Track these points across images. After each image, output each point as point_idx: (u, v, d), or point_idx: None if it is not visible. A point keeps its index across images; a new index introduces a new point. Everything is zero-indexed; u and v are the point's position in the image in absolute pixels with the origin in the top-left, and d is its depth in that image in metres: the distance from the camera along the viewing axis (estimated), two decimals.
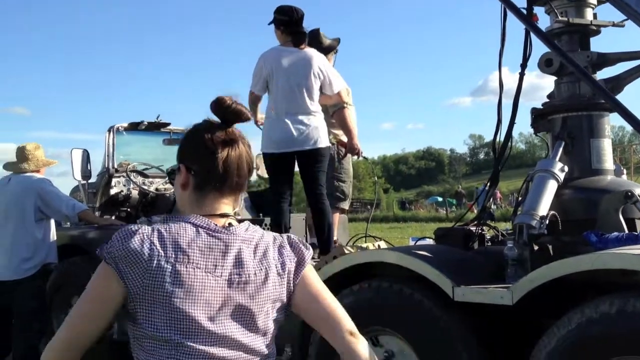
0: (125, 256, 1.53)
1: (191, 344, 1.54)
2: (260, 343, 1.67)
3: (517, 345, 3.14)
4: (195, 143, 1.69)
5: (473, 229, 3.84)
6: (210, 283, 1.57)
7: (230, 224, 1.67)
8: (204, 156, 1.67)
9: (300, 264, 1.73)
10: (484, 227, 3.88)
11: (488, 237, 3.90)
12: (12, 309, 5.24)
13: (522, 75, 3.81)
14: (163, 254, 1.54)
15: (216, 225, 1.64)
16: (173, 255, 1.54)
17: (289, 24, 4.54)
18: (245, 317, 1.62)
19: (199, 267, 1.56)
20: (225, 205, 1.70)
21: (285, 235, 1.78)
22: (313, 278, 1.76)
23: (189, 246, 1.57)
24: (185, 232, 1.59)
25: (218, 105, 1.68)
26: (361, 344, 1.69)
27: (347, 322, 1.72)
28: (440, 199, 45.89)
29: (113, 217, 5.92)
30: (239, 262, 1.62)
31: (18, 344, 5.17)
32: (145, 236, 1.55)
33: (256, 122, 4.79)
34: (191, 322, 1.54)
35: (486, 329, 3.23)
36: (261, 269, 1.65)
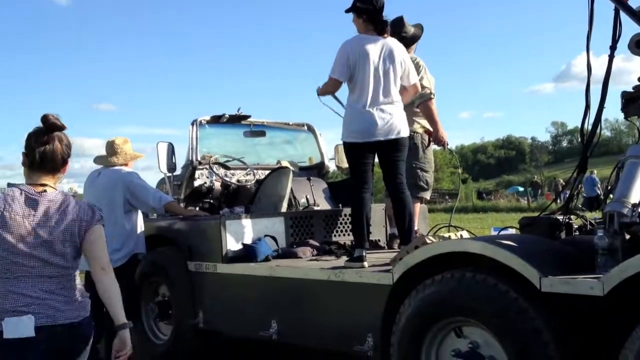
0: None
1: (9, 255, 2.61)
2: (58, 260, 2.69)
3: (608, 337, 3.04)
4: (28, 141, 2.73)
5: (560, 218, 3.74)
6: (25, 224, 2.64)
7: (45, 191, 2.72)
8: (30, 149, 2.72)
9: (90, 220, 2.77)
10: (572, 216, 3.76)
11: (576, 227, 3.78)
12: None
13: (611, 57, 3.66)
14: (2, 206, 2.63)
15: (35, 190, 2.71)
16: (4, 207, 2.63)
17: (371, 12, 4.53)
18: (47, 245, 2.66)
19: (18, 214, 2.64)
20: (45, 180, 2.74)
21: (83, 201, 2.99)
22: (96, 231, 2.79)
23: (13, 201, 2.66)
24: (14, 194, 2.68)
25: (43, 119, 2.71)
26: (108, 276, 2.79)
27: (102, 260, 2.80)
28: (521, 189, 44.63)
29: (197, 209, 6.06)
30: (45, 213, 2.68)
31: (109, 332, 5.40)
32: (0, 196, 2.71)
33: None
34: (9, 244, 2.61)
35: (575, 321, 3.14)
36: (61, 218, 2.69)
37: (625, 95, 3.73)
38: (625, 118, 3.81)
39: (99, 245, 2.81)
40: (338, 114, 4.88)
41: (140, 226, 5.56)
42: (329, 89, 4.66)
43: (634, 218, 3.15)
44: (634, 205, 3.16)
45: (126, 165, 5.63)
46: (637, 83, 3.75)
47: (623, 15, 3.62)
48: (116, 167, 5.55)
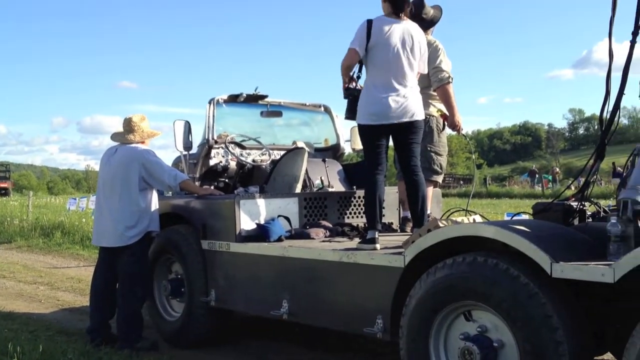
0: None
1: None
2: None
3: (618, 324, 3.05)
4: None
5: (573, 204, 3.73)
6: None
7: None
8: None
9: None
10: (585, 203, 3.75)
11: (589, 213, 3.77)
12: (116, 274, 5.55)
13: (633, 43, 3.62)
14: None
15: None
16: None
17: None
18: None
19: None
20: None
21: None
22: None
23: None
24: None
25: None
26: None
27: None
28: (537, 176, 44.40)
29: (212, 187, 6.09)
30: None
31: (121, 308, 5.48)
32: None
33: (347, 89, 4.68)
34: None
35: (585, 307, 3.15)
36: None
37: None
38: None
39: None
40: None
41: (155, 204, 5.61)
42: (348, 60, 4.61)
43: None
44: None
45: (143, 143, 5.67)
46: None
47: None
48: (132, 145, 5.60)
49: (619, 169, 30.67)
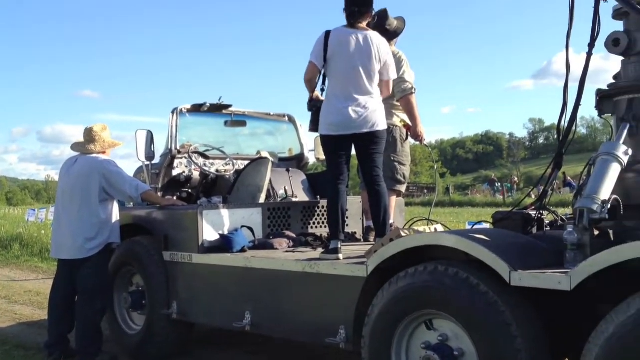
0: None
1: None
2: None
3: (575, 331, 3.10)
4: None
5: (532, 213, 3.79)
6: None
7: None
8: None
9: None
10: (543, 212, 3.82)
11: (547, 222, 3.84)
12: (75, 287, 5.44)
13: (589, 55, 3.72)
14: None
15: None
16: None
17: (346, 3, 4.55)
18: None
19: None
20: None
21: None
22: None
23: None
24: None
25: None
26: None
27: None
28: (497, 184, 45.12)
29: (175, 198, 6.04)
30: None
31: (80, 322, 5.37)
32: None
33: (310, 100, 4.71)
34: None
35: (543, 315, 3.20)
36: None
37: (599, 93, 3.79)
38: (599, 116, 3.87)
39: None
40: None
41: (116, 215, 5.53)
42: (308, 74, 4.63)
43: (603, 214, 3.19)
44: (604, 202, 3.21)
45: (104, 153, 5.59)
46: (613, 81, 3.82)
47: (602, 13, 3.68)
48: (93, 155, 5.51)
49: (569, 179, 31.42)
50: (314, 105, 4.70)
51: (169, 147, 6.34)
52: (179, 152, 6.35)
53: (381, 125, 4.56)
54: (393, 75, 4.70)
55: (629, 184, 3.46)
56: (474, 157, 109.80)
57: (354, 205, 5.92)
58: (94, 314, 5.36)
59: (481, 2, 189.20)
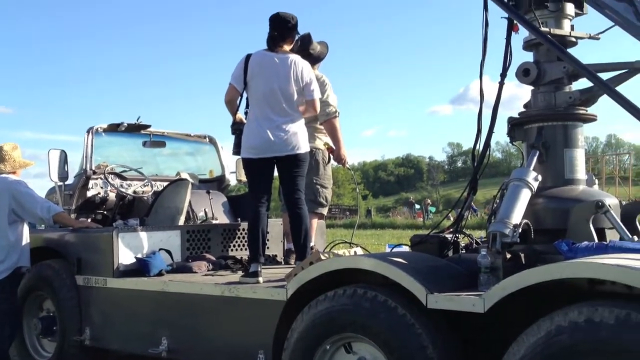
0: None
1: None
2: None
3: (490, 353, 3.17)
4: None
5: (448, 236, 3.88)
6: None
7: None
8: None
9: None
10: (459, 235, 3.92)
11: (463, 245, 3.94)
12: None
13: (501, 84, 3.86)
14: None
15: None
16: None
17: (269, 27, 4.57)
18: None
19: None
20: None
21: None
22: None
23: None
24: None
25: None
26: None
27: None
28: (418, 206, 46.20)
29: (89, 220, 5.86)
30: None
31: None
32: None
33: (233, 124, 4.70)
34: None
35: (459, 336, 3.26)
36: None
37: (511, 121, 3.94)
38: (511, 142, 4.03)
39: None
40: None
41: (26, 238, 5.33)
42: (228, 96, 4.61)
43: (515, 238, 3.31)
44: (515, 226, 3.33)
45: (14, 173, 5.39)
46: (524, 110, 3.98)
47: (513, 44, 3.84)
48: (3, 175, 5.31)
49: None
50: (237, 129, 4.68)
51: (84, 167, 6.17)
52: (94, 173, 6.19)
53: (303, 147, 4.57)
54: (317, 95, 4.70)
55: (538, 208, 3.61)
56: (395, 180, 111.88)
57: (275, 227, 5.90)
58: (1, 341, 5.15)
59: (399, 27, 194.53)
